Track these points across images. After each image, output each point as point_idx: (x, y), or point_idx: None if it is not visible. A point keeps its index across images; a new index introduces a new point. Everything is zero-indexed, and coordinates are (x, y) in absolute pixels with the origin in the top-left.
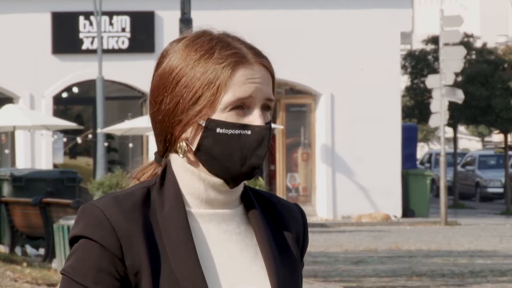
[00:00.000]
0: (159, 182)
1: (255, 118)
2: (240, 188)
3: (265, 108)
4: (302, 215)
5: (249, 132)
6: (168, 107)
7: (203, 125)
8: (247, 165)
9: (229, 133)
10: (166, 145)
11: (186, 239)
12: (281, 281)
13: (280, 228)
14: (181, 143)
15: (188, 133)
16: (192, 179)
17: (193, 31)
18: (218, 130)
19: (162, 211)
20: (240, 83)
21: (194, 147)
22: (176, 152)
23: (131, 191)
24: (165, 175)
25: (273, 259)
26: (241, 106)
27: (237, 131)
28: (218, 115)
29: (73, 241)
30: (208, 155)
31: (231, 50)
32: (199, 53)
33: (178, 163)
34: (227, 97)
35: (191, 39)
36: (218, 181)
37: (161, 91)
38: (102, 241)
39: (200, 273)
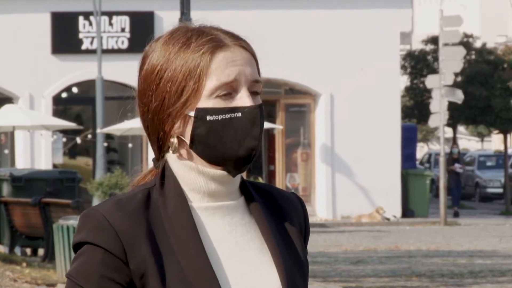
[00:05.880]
0: (159, 182)
1: (243, 100)
2: (238, 178)
3: (253, 93)
4: (301, 204)
5: (239, 114)
6: (155, 104)
7: (193, 115)
8: (244, 147)
9: (220, 119)
10: (160, 143)
11: (193, 236)
12: (289, 271)
13: (282, 219)
14: (172, 139)
15: (180, 126)
16: (191, 174)
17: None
18: (208, 117)
19: (166, 211)
20: (222, 67)
21: (188, 140)
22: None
23: (131, 194)
24: (164, 175)
25: (279, 249)
26: (228, 92)
27: (227, 115)
28: (205, 103)
29: (77, 247)
30: (203, 145)
31: (207, 37)
32: (177, 46)
33: (175, 160)
34: (211, 83)
35: (168, 36)
36: (217, 172)
37: (147, 91)
38: (106, 245)
39: (209, 268)
